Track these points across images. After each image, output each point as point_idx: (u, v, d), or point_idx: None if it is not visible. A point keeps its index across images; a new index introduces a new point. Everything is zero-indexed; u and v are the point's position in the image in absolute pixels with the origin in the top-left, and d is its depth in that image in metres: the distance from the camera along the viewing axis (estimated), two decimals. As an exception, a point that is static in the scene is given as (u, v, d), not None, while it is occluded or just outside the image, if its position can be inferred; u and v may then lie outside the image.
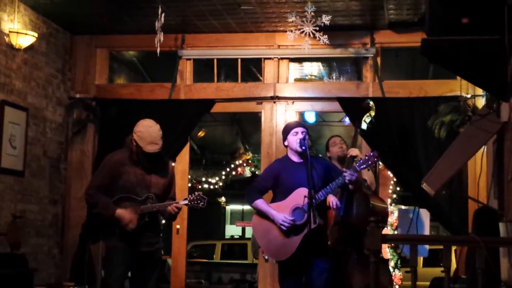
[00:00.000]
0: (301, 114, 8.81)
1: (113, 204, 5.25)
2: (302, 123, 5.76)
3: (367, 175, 6.19)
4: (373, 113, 6.30)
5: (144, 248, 5.33)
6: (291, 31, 6.77)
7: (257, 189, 5.51)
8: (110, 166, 5.34)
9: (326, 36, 6.68)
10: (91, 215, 6.81)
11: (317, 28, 6.68)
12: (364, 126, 6.29)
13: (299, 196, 5.21)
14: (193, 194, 5.41)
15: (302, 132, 5.37)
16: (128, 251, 5.27)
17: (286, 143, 5.48)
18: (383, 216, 5.96)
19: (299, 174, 5.25)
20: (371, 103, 6.32)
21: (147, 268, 5.38)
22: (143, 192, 5.31)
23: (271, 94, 7.63)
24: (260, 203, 5.39)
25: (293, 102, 7.68)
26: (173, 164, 7.62)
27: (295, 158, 5.44)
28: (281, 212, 5.26)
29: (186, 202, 5.38)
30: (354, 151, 6.04)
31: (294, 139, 5.36)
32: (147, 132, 5.29)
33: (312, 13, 6.61)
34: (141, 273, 5.37)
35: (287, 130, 5.48)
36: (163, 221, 8.12)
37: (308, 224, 5.07)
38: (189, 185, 8.71)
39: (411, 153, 7.09)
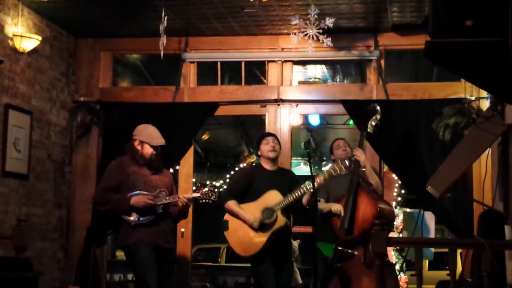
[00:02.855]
0: (305, 117, 8.81)
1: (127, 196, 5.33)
2: (272, 133, 6.31)
3: (373, 179, 6.18)
4: (379, 117, 6.29)
5: (163, 243, 5.40)
6: (295, 33, 6.76)
7: (230, 192, 5.93)
8: (117, 169, 5.46)
9: (329, 39, 6.67)
10: (98, 217, 6.89)
11: (321, 31, 6.67)
12: (370, 129, 6.28)
13: (270, 197, 5.68)
14: (204, 188, 5.56)
15: (272, 140, 5.89)
16: (150, 244, 5.32)
17: (259, 153, 5.96)
18: (390, 219, 5.95)
19: (271, 182, 5.76)
20: (378, 106, 6.31)
21: (165, 268, 5.40)
22: (153, 190, 5.44)
23: (275, 96, 7.62)
24: (232, 204, 5.76)
25: (297, 105, 7.66)
26: (177, 166, 7.66)
27: (268, 166, 5.91)
28: (251, 211, 5.67)
29: (198, 194, 5.51)
30: (358, 152, 6.05)
31: (266, 147, 5.86)
32: (148, 130, 5.58)
33: (316, 16, 6.61)
34: (161, 271, 5.38)
35: (259, 140, 6.01)
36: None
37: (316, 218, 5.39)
38: (194, 188, 8.70)
39: (415, 155, 7.07)
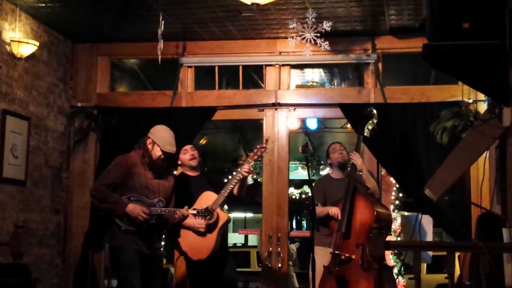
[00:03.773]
0: (303, 121, 8.80)
1: (125, 200, 5.32)
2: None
3: (370, 183, 6.19)
4: (375, 121, 6.32)
5: (148, 251, 5.39)
6: (292, 37, 6.75)
7: None
8: (125, 166, 5.47)
9: (327, 42, 6.66)
10: (94, 216, 6.87)
11: (318, 34, 6.66)
12: (366, 133, 6.29)
13: (205, 199, 5.85)
14: (202, 208, 5.56)
15: (191, 148, 6.19)
16: (136, 250, 5.31)
17: (179, 162, 6.23)
18: (387, 223, 5.95)
19: (200, 186, 5.99)
20: (374, 110, 6.32)
21: (150, 274, 5.40)
22: (151, 195, 5.43)
23: (272, 101, 7.62)
24: None
25: (294, 109, 7.65)
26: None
27: (191, 173, 6.17)
28: (192, 216, 5.79)
29: (195, 212, 5.50)
30: (354, 156, 6.06)
31: (186, 157, 6.15)
32: (165, 134, 5.61)
33: (313, 20, 6.60)
34: (144, 278, 5.38)
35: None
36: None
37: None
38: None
39: (413, 159, 7.06)
